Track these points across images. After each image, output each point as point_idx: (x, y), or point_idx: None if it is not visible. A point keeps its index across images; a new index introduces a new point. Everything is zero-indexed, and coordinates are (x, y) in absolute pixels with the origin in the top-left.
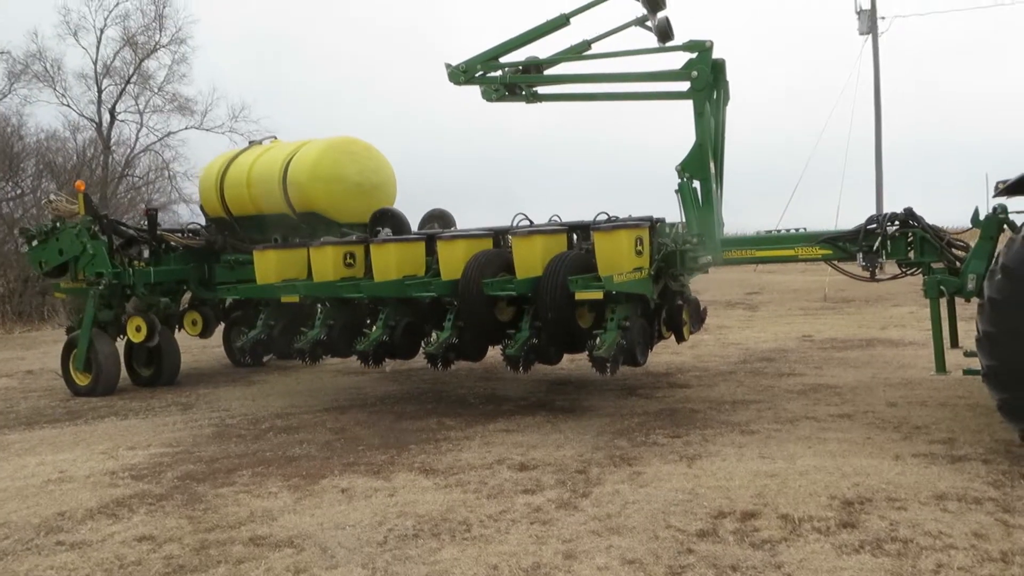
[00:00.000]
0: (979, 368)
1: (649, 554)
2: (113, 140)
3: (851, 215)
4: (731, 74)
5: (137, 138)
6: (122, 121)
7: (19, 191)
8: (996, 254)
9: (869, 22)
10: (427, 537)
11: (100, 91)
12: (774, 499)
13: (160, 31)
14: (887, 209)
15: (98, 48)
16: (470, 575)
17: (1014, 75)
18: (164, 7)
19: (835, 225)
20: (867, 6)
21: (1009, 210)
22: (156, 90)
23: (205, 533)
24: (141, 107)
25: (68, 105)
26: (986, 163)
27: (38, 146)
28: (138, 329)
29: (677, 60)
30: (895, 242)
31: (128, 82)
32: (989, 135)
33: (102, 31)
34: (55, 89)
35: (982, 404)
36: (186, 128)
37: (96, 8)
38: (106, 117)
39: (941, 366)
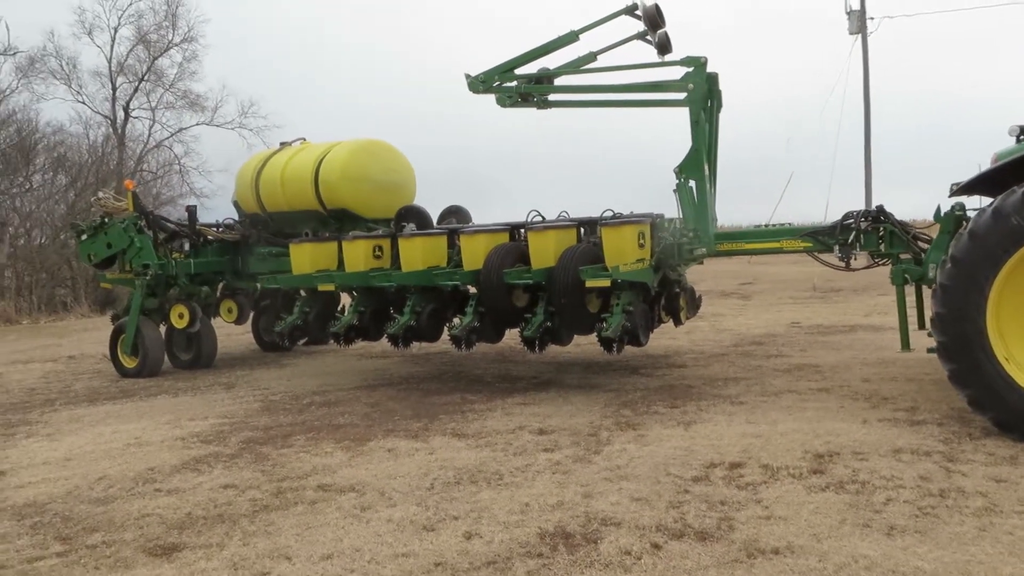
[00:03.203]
0: None
1: (653, 494)
2: (126, 136)
3: (840, 209)
4: (725, 71)
5: (150, 134)
6: (135, 117)
7: (29, 185)
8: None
9: (859, 22)
10: (467, 484)
11: (115, 88)
12: (757, 453)
13: (172, 30)
14: (875, 203)
15: (112, 46)
16: (506, 510)
17: (1004, 73)
18: (176, 6)
19: (825, 218)
20: (857, 7)
21: (967, 207)
22: (168, 87)
23: (279, 482)
24: (153, 104)
25: (83, 102)
26: (977, 157)
27: (49, 141)
28: (180, 316)
29: (675, 71)
30: (868, 236)
31: (142, 80)
32: (978, 131)
33: (116, 30)
34: (70, 86)
35: (944, 380)
36: (197, 124)
37: (110, 8)
38: (120, 114)
39: (906, 344)
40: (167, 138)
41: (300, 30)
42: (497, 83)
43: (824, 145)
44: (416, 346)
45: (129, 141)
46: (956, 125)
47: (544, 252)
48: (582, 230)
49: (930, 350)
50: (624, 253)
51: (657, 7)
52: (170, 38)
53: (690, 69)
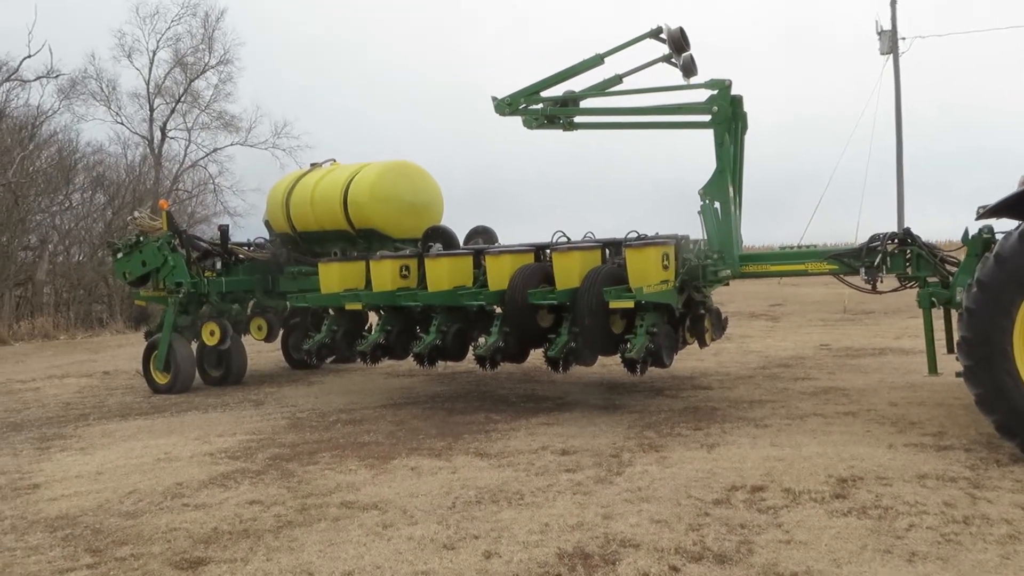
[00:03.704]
0: None
1: (673, 516)
2: (163, 156)
3: (872, 230)
4: (756, 92)
5: (185, 154)
6: (172, 138)
7: (69, 203)
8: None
9: (890, 42)
10: (488, 503)
11: (152, 109)
12: (780, 477)
13: (209, 53)
14: (907, 224)
15: (151, 69)
16: (526, 530)
17: None
18: (213, 30)
19: (855, 239)
20: (888, 27)
21: (995, 230)
22: (204, 108)
23: (303, 499)
24: (189, 124)
25: (122, 123)
26: (1010, 178)
27: (89, 160)
28: (212, 333)
29: (700, 94)
30: (894, 258)
31: (179, 101)
32: (1013, 151)
33: (154, 53)
34: (110, 108)
35: (973, 405)
36: (231, 144)
37: (149, 32)
38: (157, 134)
39: (933, 368)
40: (202, 158)
41: (334, 52)
42: (523, 105)
43: (856, 166)
44: (442, 365)
45: (165, 161)
46: (989, 144)
47: (569, 273)
48: (607, 251)
49: (958, 374)
50: (648, 274)
51: (682, 30)
52: (206, 61)
53: (714, 92)
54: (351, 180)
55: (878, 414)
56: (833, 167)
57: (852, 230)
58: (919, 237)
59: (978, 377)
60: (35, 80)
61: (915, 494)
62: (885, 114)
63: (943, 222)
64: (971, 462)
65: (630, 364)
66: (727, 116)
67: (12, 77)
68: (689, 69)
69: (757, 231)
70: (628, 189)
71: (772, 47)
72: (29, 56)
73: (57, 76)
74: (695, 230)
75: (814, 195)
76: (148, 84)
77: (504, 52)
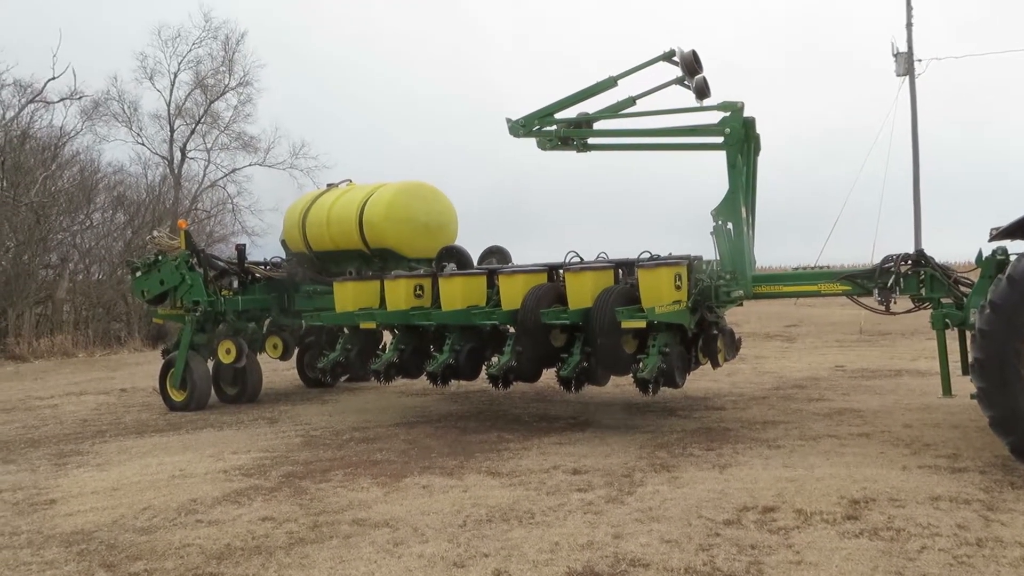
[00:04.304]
0: None
1: (683, 536)
2: (182, 176)
3: (888, 251)
4: (773, 114)
5: (204, 174)
6: (191, 158)
7: (90, 222)
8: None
9: (906, 64)
10: (499, 522)
11: (172, 130)
12: (792, 498)
13: (229, 75)
14: (925, 246)
15: (171, 91)
16: (536, 549)
17: None
18: (233, 53)
19: (871, 261)
20: (904, 48)
21: (1009, 251)
22: (223, 129)
23: (315, 516)
24: (209, 145)
25: (143, 144)
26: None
27: (110, 180)
28: (228, 351)
29: (712, 116)
30: (908, 279)
31: (199, 122)
32: None
33: (176, 75)
34: (131, 129)
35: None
36: (250, 165)
37: (171, 54)
38: (177, 155)
39: (947, 389)
40: (221, 178)
41: (352, 73)
42: (537, 127)
43: (872, 187)
44: (455, 384)
45: (185, 181)
46: (1007, 165)
47: (581, 293)
48: (620, 271)
49: (973, 396)
50: (660, 294)
51: (694, 53)
52: (226, 82)
53: (727, 114)
54: (367, 200)
55: (892, 436)
56: (849, 188)
57: (868, 252)
58: (932, 258)
59: (992, 399)
60: (59, 101)
61: (928, 516)
62: (901, 135)
63: (961, 245)
64: (985, 484)
65: (642, 384)
66: (740, 138)
67: (36, 99)
68: (702, 91)
69: (773, 252)
70: (641, 209)
71: (788, 67)
72: (53, 78)
73: (80, 98)
74: (708, 251)
75: (830, 217)
76: (169, 105)
77: (519, 75)
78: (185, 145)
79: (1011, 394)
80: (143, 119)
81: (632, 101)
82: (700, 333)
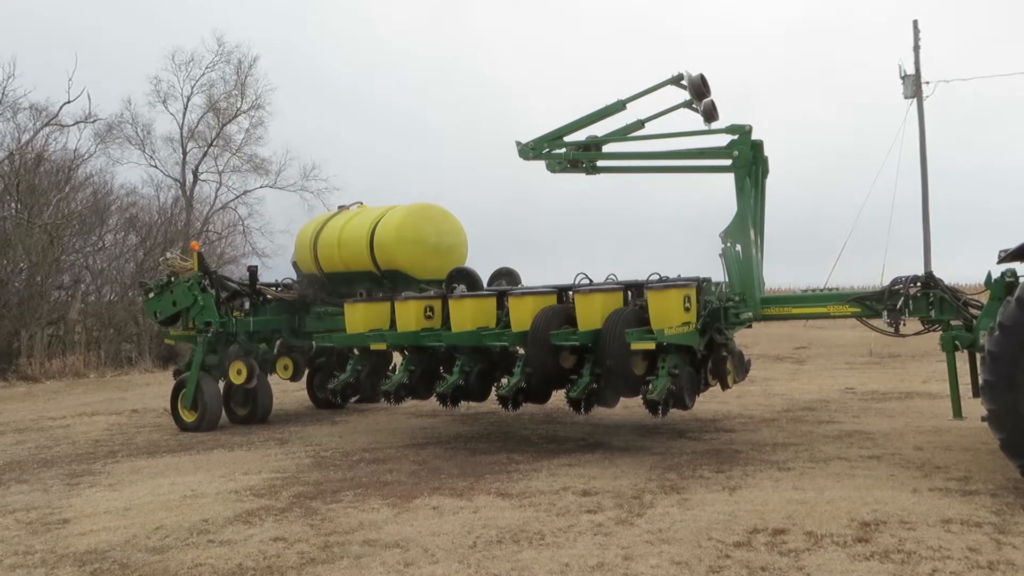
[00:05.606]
0: None
1: (693, 558)
2: (194, 198)
3: (897, 274)
4: (780, 136)
5: (216, 196)
6: (203, 180)
7: (102, 244)
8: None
9: (914, 87)
10: (509, 543)
11: (185, 153)
12: (802, 520)
13: (241, 98)
14: (934, 269)
15: (184, 114)
16: (546, 571)
17: None
18: (246, 76)
19: (880, 283)
20: (912, 71)
21: (1017, 273)
22: (235, 152)
23: (326, 536)
24: (220, 167)
25: (156, 166)
26: None
27: (123, 202)
28: (239, 372)
29: (721, 139)
30: (917, 302)
31: (211, 145)
32: None
33: (188, 99)
34: (144, 151)
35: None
36: (261, 187)
37: (184, 78)
38: (189, 177)
39: (957, 411)
40: (232, 200)
41: (363, 96)
42: (547, 150)
43: (881, 210)
44: (465, 405)
45: (197, 203)
46: (1017, 187)
47: (591, 314)
48: (629, 293)
49: (984, 418)
50: (670, 316)
51: (702, 77)
52: (239, 106)
53: (735, 137)
54: (377, 222)
55: (903, 458)
56: (857, 211)
57: (877, 274)
58: (941, 280)
59: (1002, 421)
60: (73, 125)
61: (939, 539)
62: (909, 157)
63: (972, 267)
64: (997, 507)
65: (652, 406)
66: (748, 160)
67: (52, 122)
68: (710, 114)
69: (783, 274)
70: (650, 232)
71: (797, 88)
72: (69, 102)
73: (95, 121)
74: (717, 273)
75: (839, 239)
76: (182, 128)
77: (530, 98)
78: (197, 167)
79: (1021, 416)
80: (156, 142)
81: (641, 124)
82: (709, 355)
